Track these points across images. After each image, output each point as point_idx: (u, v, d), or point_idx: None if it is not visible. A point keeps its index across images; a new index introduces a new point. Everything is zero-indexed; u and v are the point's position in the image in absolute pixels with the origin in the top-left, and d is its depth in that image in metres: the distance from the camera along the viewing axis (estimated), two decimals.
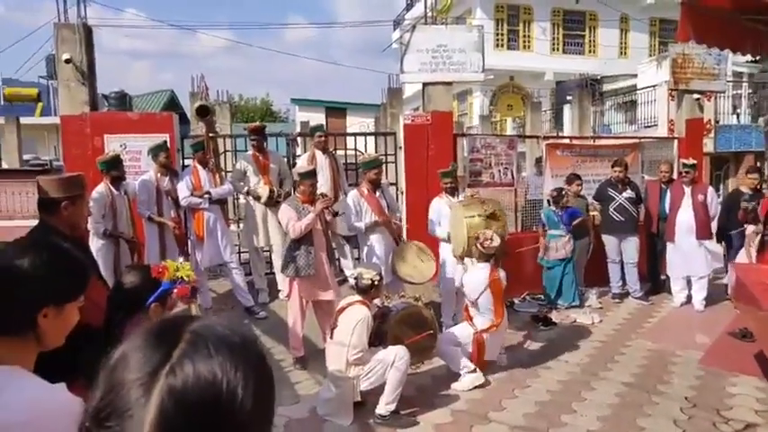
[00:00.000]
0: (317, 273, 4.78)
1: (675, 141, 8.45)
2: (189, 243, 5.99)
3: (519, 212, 7.89)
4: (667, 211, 6.77)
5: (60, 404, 1.13)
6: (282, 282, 5.95)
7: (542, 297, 6.70)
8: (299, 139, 9.35)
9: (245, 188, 6.25)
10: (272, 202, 6.06)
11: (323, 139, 6.61)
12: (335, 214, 5.22)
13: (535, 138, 10.11)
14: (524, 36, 22.03)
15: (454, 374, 4.54)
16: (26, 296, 1.26)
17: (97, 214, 4.97)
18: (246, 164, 6.28)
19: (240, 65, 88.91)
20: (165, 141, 5.96)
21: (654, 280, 7.27)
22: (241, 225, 7.03)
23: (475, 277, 4.61)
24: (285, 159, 7.20)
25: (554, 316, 6.21)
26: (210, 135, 6.16)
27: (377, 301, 4.42)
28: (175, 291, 2.18)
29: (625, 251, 6.87)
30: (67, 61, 6.17)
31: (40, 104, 21.23)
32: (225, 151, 7.15)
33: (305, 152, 7.64)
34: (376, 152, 7.08)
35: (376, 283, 4.11)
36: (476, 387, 4.44)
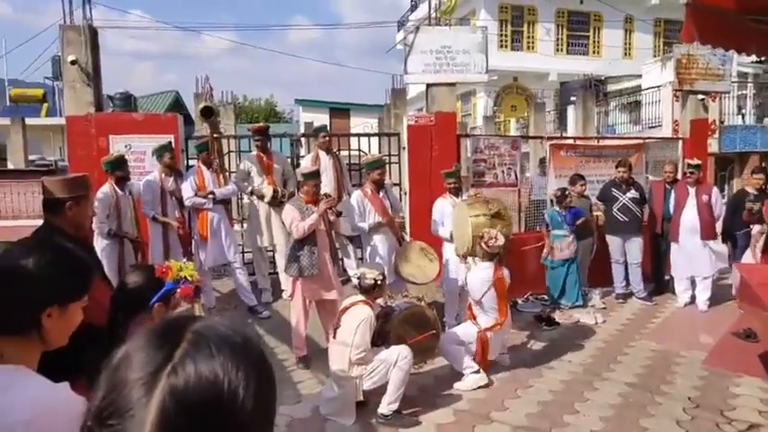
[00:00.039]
0: (321, 272, 4.79)
1: (680, 142, 8.43)
2: (193, 243, 6.00)
3: (522, 213, 7.89)
4: (671, 211, 6.75)
5: (63, 403, 1.14)
6: (286, 281, 5.95)
7: (545, 297, 6.69)
8: (302, 139, 9.38)
9: (249, 188, 6.27)
10: (276, 203, 6.08)
11: (327, 139, 6.62)
12: (339, 214, 5.23)
13: (539, 138, 10.11)
14: (528, 37, 21.97)
15: (457, 374, 4.55)
16: (30, 296, 1.27)
17: (102, 214, 5.00)
18: (250, 164, 6.30)
19: (245, 66, 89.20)
20: (170, 142, 5.98)
21: (658, 280, 7.25)
22: (245, 225, 7.04)
23: (478, 276, 4.60)
24: (289, 160, 7.22)
25: (557, 316, 6.20)
26: (215, 136, 6.17)
27: (380, 301, 4.42)
28: (179, 290, 2.19)
29: (629, 251, 6.86)
30: (73, 62, 6.20)
31: (45, 105, 21.34)
32: (229, 152, 7.17)
33: (309, 153, 7.65)
34: (380, 153, 7.07)
35: (379, 282, 4.11)
36: (478, 387, 4.44)
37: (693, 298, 6.65)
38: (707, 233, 6.50)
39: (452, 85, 6.97)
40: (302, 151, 8.76)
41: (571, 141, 8.65)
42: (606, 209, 6.95)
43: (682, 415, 3.98)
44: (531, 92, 20.97)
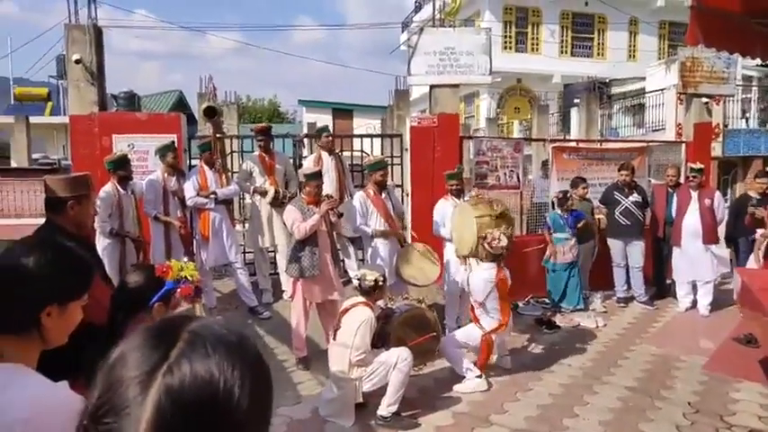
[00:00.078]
0: (322, 273, 4.80)
1: (683, 145, 8.42)
2: (194, 243, 6.02)
3: (524, 215, 7.88)
4: (674, 215, 6.74)
5: (62, 402, 1.15)
6: (287, 282, 5.96)
7: (546, 300, 6.68)
8: (305, 140, 9.38)
9: (251, 187, 6.28)
10: (278, 203, 6.09)
11: (329, 140, 6.63)
12: (340, 215, 5.24)
13: (541, 141, 10.10)
14: (533, 38, 21.96)
15: (457, 376, 4.55)
16: (30, 295, 1.28)
17: (104, 213, 5.02)
18: (252, 164, 6.31)
19: (249, 66, 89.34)
20: (173, 142, 5.99)
21: (659, 284, 7.24)
22: (246, 225, 7.05)
23: (481, 276, 4.57)
24: (291, 160, 7.23)
25: (558, 319, 6.19)
26: (218, 136, 6.19)
27: (380, 303, 4.43)
28: (179, 290, 2.20)
29: (630, 255, 6.85)
30: (77, 62, 6.22)
31: (49, 104, 21.40)
32: (232, 152, 7.18)
33: (311, 153, 7.65)
34: (382, 154, 7.08)
35: (380, 284, 4.11)
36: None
37: (695, 302, 6.64)
38: (709, 237, 6.49)
39: (456, 86, 6.97)
40: (305, 152, 8.75)
41: (574, 144, 8.65)
42: (608, 212, 6.94)
43: (681, 420, 3.97)
44: (535, 94, 20.95)
